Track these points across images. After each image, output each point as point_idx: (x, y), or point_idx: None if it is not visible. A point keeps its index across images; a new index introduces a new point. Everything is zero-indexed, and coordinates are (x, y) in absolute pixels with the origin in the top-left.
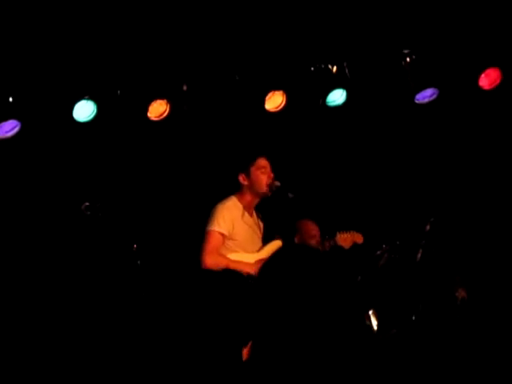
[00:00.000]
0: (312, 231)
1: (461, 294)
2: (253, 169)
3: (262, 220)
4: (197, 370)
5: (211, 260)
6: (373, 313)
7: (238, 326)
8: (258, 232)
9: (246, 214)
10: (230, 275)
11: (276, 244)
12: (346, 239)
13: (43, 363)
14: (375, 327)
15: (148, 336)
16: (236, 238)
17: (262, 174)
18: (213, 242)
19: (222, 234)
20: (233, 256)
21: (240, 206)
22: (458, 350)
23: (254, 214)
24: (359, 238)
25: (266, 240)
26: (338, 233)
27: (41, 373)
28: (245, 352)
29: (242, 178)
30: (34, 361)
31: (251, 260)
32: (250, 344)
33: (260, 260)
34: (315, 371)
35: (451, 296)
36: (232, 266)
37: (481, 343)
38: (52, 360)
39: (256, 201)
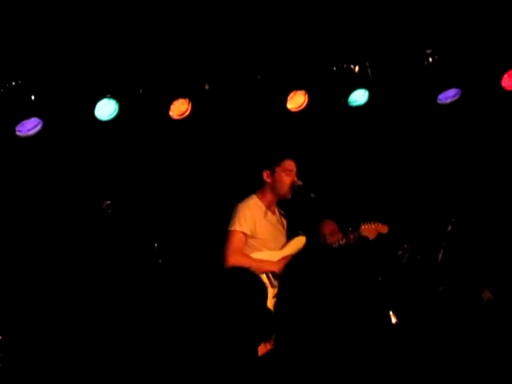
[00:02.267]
0: (326, 229)
1: (486, 295)
2: (278, 169)
3: (285, 217)
4: (211, 367)
5: (234, 260)
6: (393, 313)
7: (255, 323)
8: (282, 229)
9: (269, 212)
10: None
11: (300, 240)
12: (370, 230)
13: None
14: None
15: (166, 332)
16: (259, 236)
17: (287, 176)
18: (235, 242)
19: (245, 234)
20: (256, 255)
21: (261, 204)
22: (484, 350)
23: (277, 211)
24: (384, 229)
25: (289, 237)
26: (362, 224)
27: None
28: (262, 348)
29: (265, 175)
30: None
31: (275, 258)
32: (266, 341)
33: (284, 257)
34: (334, 369)
35: (477, 297)
36: (255, 265)
37: (507, 344)
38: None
39: (276, 200)
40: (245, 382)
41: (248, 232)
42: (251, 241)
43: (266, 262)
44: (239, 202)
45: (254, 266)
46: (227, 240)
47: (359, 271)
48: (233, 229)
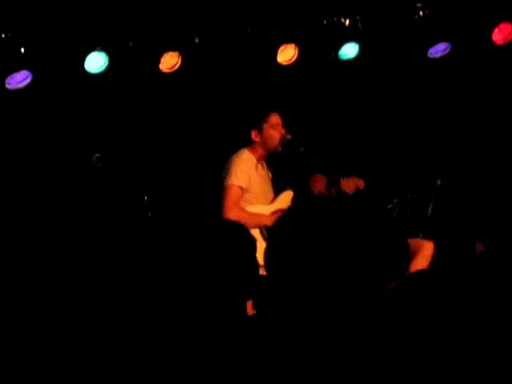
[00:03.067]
0: (317, 185)
1: (479, 247)
2: (265, 126)
3: (271, 171)
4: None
5: (233, 214)
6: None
7: (245, 278)
8: (269, 183)
9: (259, 166)
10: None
11: (288, 194)
12: (348, 185)
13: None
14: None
15: (155, 289)
16: (252, 190)
17: (274, 131)
18: (233, 195)
19: (241, 187)
20: (250, 208)
21: (253, 158)
22: (479, 304)
23: (265, 165)
24: (361, 184)
25: (276, 191)
26: (341, 179)
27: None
28: (249, 306)
29: (253, 135)
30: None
31: (267, 212)
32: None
33: (275, 211)
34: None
35: (469, 250)
36: (252, 219)
37: (501, 299)
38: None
39: (267, 154)
40: (234, 339)
41: (244, 185)
42: (245, 194)
43: (261, 215)
44: (232, 155)
45: (251, 220)
46: (224, 194)
47: (350, 224)
48: (230, 182)
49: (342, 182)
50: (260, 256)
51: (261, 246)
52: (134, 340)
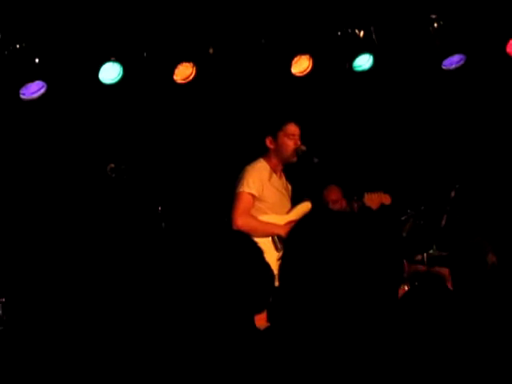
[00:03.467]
0: (331, 196)
1: (491, 258)
2: (281, 134)
3: (290, 182)
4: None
5: (242, 221)
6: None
7: (255, 291)
8: (287, 194)
9: (274, 176)
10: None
11: (305, 206)
12: (373, 200)
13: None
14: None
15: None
16: (266, 199)
17: (290, 141)
18: (243, 203)
19: (252, 195)
20: (263, 218)
21: (268, 168)
22: (489, 314)
23: (283, 176)
24: (387, 199)
25: (294, 202)
26: (365, 193)
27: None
28: (260, 319)
29: (268, 142)
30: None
31: (281, 222)
32: (264, 312)
33: (290, 222)
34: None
35: (481, 261)
36: (262, 227)
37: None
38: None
39: (281, 164)
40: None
41: (256, 193)
42: (258, 203)
43: (273, 224)
44: (247, 165)
45: (261, 228)
46: (235, 201)
47: (364, 237)
48: (241, 190)
49: (366, 196)
50: (272, 266)
51: (272, 255)
52: (146, 347)
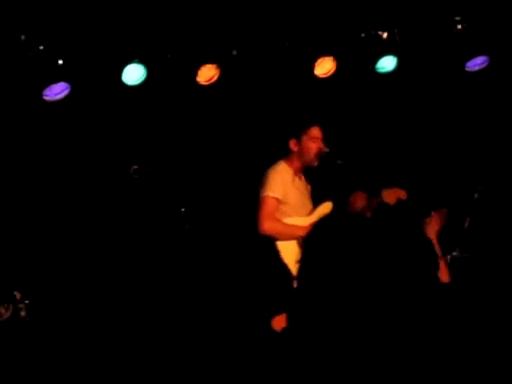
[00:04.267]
0: (357, 203)
1: None
2: (305, 137)
3: (309, 183)
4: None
5: (268, 225)
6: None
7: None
8: (307, 195)
9: (296, 178)
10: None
11: (327, 206)
12: (390, 196)
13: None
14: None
15: (188, 298)
16: (289, 202)
17: (313, 144)
18: (268, 207)
19: (277, 199)
20: (287, 221)
21: (290, 170)
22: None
23: (302, 177)
24: (403, 194)
25: (315, 203)
26: (382, 190)
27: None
28: (277, 322)
29: (292, 144)
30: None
31: (305, 223)
32: (282, 314)
33: (314, 223)
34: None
35: (505, 263)
36: (288, 230)
37: None
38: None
39: (303, 167)
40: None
41: (280, 197)
42: (282, 206)
43: (298, 227)
44: (269, 168)
45: (286, 231)
46: (260, 206)
47: (382, 239)
48: (265, 194)
49: (383, 192)
50: (292, 269)
51: (293, 258)
52: (165, 347)
